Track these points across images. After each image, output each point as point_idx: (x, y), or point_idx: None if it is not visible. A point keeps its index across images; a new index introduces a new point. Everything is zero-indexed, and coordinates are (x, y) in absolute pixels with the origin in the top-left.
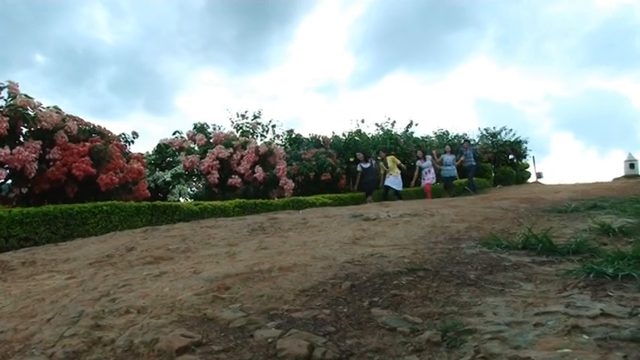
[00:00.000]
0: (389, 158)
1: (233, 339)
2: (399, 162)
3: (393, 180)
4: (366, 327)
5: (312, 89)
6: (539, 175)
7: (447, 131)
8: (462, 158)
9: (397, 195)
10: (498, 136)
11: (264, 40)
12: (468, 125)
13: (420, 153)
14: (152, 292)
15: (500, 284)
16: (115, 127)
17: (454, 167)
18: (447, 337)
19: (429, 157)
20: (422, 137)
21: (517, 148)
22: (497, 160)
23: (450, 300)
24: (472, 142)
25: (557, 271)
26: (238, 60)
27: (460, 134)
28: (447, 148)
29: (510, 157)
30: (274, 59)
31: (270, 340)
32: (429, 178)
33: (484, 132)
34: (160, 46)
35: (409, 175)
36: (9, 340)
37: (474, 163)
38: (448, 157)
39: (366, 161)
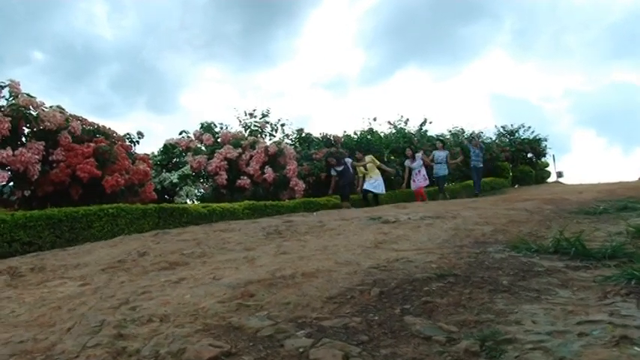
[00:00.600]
0: (367, 158)
1: (263, 349)
2: (378, 163)
3: (372, 183)
4: (399, 336)
5: (320, 86)
6: (559, 175)
7: (462, 129)
8: (461, 158)
9: (375, 200)
10: (516, 134)
11: (270, 34)
12: (484, 122)
13: (409, 151)
14: (173, 300)
15: (535, 291)
16: (116, 126)
17: (446, 165)
18: (486, 347)
19: (419, 155)
20: (436, 135)
21: (536, 146)
22: (515, 159)
23: (485, 307)
24: (482, 138)
25: (594, 277)
26: (243, 56)
27: (476, 132)
28: (438, 143)
29: (529, 155)
30: (280, 55)
31: (301, 349)
32: (420, 179)
33: (501, 129)
34: (162, 42)
35: (397, 177)
36: (30, 351)
37: (481, 166)
38: (440, 154)
39: (339, 164)
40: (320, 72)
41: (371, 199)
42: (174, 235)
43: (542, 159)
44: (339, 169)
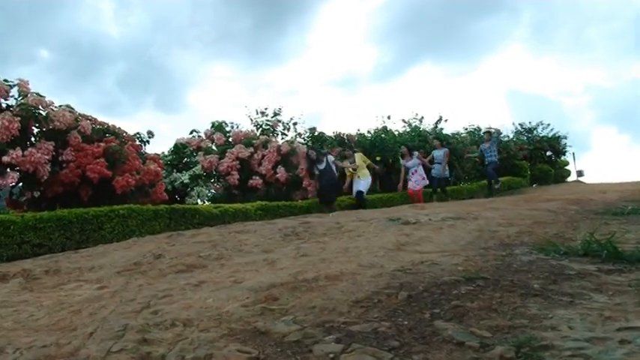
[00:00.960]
0: (357, 156)
1: (291, 354)
2: (369, 161)
3: (364, 184)
4: (431, 341)
5: (331, 83)
6: (579, 174)
7: (478, 127)
8: (468, 156)
9: (361, 198)
10: (534, 132)
11: (280, 31)
12: (501, 119)
13: (404, 149)
14: (195, 304)
15: (569, 295)
16: (123, 125)
17: (445, 165)
18: (522, 354)
19: (415, 154)
20: (452, 134)
21: (555, 144)
22: (534, 158)
23: (518, 312)
24: (495, 134)
25: (629, 281)
26: (253, 53)
27: (493, 129)
28: (436, 142)
29: (548, 154)
30: (291, 51)
31: (332, 355)
32: (416, 180)
33: (519, 127)
34: (170, 39)
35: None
36: (53, 356)
37: (495, 160)
38: (438, 153)
39: (320, 161)
40: (331, 69)
41: (364, 202)
42: (188, 236)
43: (562, 157)
44: (321, 166)
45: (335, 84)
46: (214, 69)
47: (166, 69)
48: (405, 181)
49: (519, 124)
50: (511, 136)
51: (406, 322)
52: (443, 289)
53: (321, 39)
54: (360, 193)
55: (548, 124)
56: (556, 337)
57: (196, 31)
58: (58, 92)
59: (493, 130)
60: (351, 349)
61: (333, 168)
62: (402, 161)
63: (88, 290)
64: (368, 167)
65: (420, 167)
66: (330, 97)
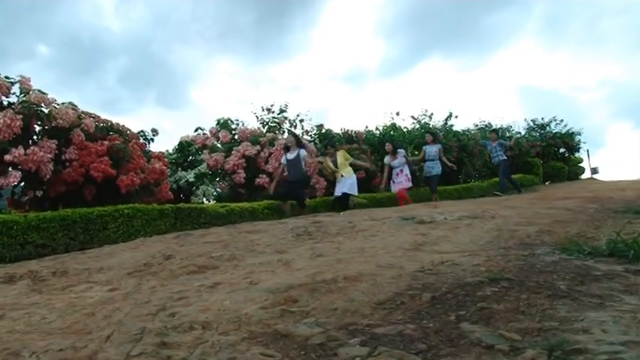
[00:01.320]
0: (339, 154)
1: (316, 357)
2: (351, 159)
3: (346, 184)
4: (459, 344)
5: (338, 78)
6: (594, 171)
7: (489, 123)
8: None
9: (340, 201)
10: (547, 128)
11: (285, 25)
12: (512, 115)
13: (388, 146)
14: (212, 306)
15: (598, 297)
16: (125, 122)
17: (439, 162)
18: (554, 357)
19: (401, 152)
20: (462, 130)
21: (569, 140)
22: (547, 155)
23: (547, 314)
24: (513, 134)
25: None
26: (257, 48)
27: (505, 126)
28: (428, 136)
29: (561, 150)
30: (296, 46)
31: (358, 359)
32: (401, 180)
33: (531, 123)
34: (172, 34)
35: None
36: (71, 359)
37: (504, 158)
38: (431, 149)
39: (291, 150)
40: (337, 64)
41: (351, 203)
42: (197, 236)
43: (576, 154)
44: (290, 156)
45: (341, 79)
46: (217, 64)
47: (168, 64)
48: (388, 181)
49: (531, 120)
50: (523, 132)
51: (431, 325)
52: (467, 290)
53: (327, 33)
54: (344, 194)
55: (562, 120)
56: (589, 341)
57: (198, 25)
58: (58, 89)
59: (507, 143)
60: (377, 352)
61: (303, 164)
62: (386, 159)
63: (98, 292)
64: (354, 166)
65: (406, 167)
66: (336, 93)
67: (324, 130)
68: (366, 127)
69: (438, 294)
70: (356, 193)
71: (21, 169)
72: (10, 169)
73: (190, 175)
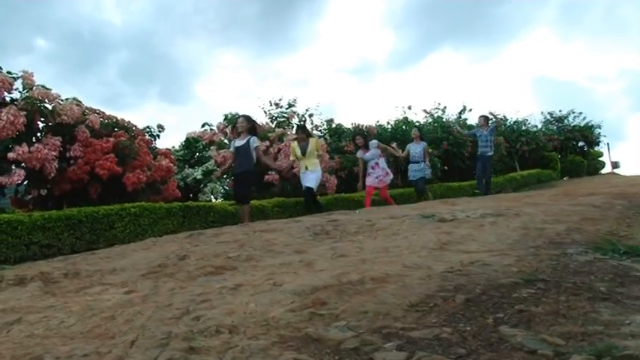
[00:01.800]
0: (311, 141)
1: None
2: (321, 150)
3: (314, 177)
4: (499, 349)
5: (345, 71)
6: (615, 165)
7: (504, 116)
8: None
9: (309, 198)
10: (565, 121)
11: (291, 16)
12: (527, 108)
13: (359, 140)
14: (237, 309)
15: None
16: (127, 118)
17: (424, 164)
18: None
19: (373, 142)
20: (476, 124)
21: (588, 133)
22: (565, 149)
23: (589, 318)
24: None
25: None
26: (262, 40)
27: (520, 119)
28: (415, 132)
29: (580, 144)
30: (302, 38)
31: None
32: (377, 175)
33: (548, 116)
34: (175, 27)
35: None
36: None
37: (491, 153)
38: (416, 148)
39: (240, 136)
40: (345, 56)
41: (311, 201)
42: (210, 236)
43: (596, 148)
44: (238, 144)
45: (348, 72)
46: (221, 58)
47: (171, 58)
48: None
49: (548, 113)
50: (539, 125)
51: (468, 328)
52: (502, 291)
53: (334, 25)
54: (309, 189)
55: (580, 113)
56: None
57: (201, 18)
58: (58, 84)
59: (492, 118)
60: (416, 357)
61: (253, 155)
62: (358, 153)
63: (115, 294)
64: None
65: (382, 160)
66: (344, 86)
67: (334, 125)
68: (377, 121)
69: (471, 296)
70: (316, 190)
71: (25, 167)
72: (13, 167)
73: (198, 173)
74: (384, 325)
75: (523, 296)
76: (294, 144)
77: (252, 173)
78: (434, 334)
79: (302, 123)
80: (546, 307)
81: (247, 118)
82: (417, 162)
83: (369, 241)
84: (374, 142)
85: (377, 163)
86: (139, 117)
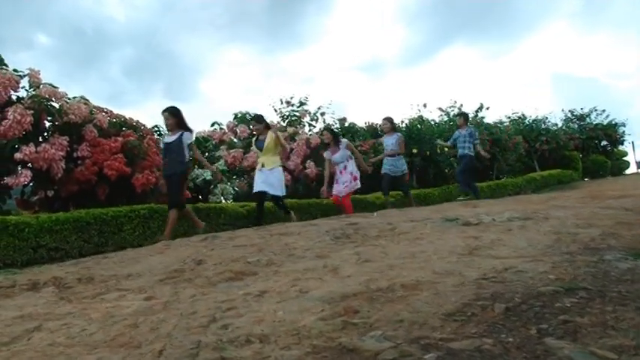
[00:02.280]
0: (269, 133)
1: None
2: (283, 144)
3: (267, 179)
4: None
5: (355, 68)
6: None
7: (522, 114)
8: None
9: (279, 205)
10: (587, 119)
11: (299, 11)
12: (545, 106)
13: (327, 136)
14: (265, 317)
15: None
16: (130, 116)
17: (401, 157)
18: None
19: (344, 142)
20: (494, 123)
21: (612, 132)
22: (587, 148)
23: None
24: (549, 127)
25: None
26: (269, 36)
27: (539, 117)
28: (385, 124)
29: (603, 143)
30: (310, 34)
31: None
32: (344, 181)
33: (569, 114)
34: (180, 22)
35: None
36: None
37: (471, 153)
38: (389, 140)
39: (172, 131)
40: (355, 53)
41: (274, 206)
42: (225, 239)
43: (620, 147)
44: (170, 139)
45: (358, 69)
46: (227, 54)
47: (176, 55)
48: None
49: (569, 111)
50: (560, 124)
51: (511, 339)
52: (543, 300)
53: (343, 20)
54: (262, 194)
55: (603, 111)
56: None
57: (207, 13)
58: (60, 80)
59: (476, 133)
60: None
61: (186, 153)
62: (326, 153)
63: (134, 301)
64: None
65: (352, 162)
66: (353, 83)
67: (347, 124)
68: None
69: (511, 305)
70: (282, 194)
71: (31, 167)
72: (19, 167)
73: (207, 173)
74: (422, 335)
75: (566, 306)
76: (253, 139)
77: (180, 175)
78: (475, 345)
79: (258, 115)
80: (592, 317)
81: (172, 112)
82: (392, 156)
83: (392, 246)
84: (344, 141)
85: (345, 167)
86: (142, 114)
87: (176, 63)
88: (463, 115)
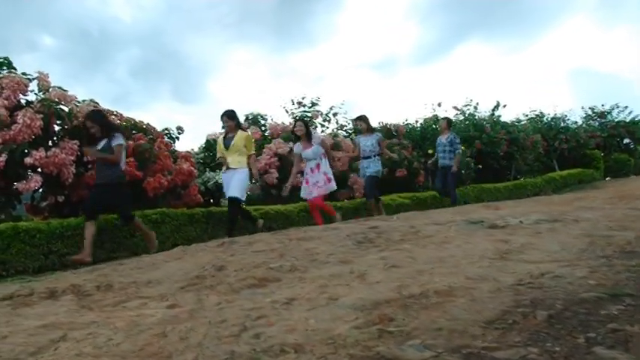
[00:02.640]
0: (238, 135)
1: None
2: (252, 149)
3: (238, 182)
4: None
5: (366, 66)
6: None
7: (541, 112)
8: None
9: (236, 208)
10: (608, 116)
11: (308, 9)
12: (565, 103)
13: (299, 128)
14: (297, 325)
15: None
16: (137, 118)
17: (377, 159)
18: None
19: (317, 136)
20: (511, 121)
21: (634, 130)
22: (608, 146)
23: None
24: (568, 125)
25: None
26: (278, 35)
27: (558, 115)
28: (361, 124)
29: (625, 141)
30: (320, 32)
31: None
32: (315, 182)
33: (589, 111)
34: (186, 22)
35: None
36: None
37: (450, 163)
38: (366, 141)
39: (101, 136)
40: (366, 51)
41: (236, 216)
42: (243, 245)
43: None
44: (100, 145)
45: (370, 67)
46: (235, 53)
47: (183, 55)
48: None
49: (589, 108)
50: (580, 122)
51: (558, 349)
52: (587, 307)
53: (354, 17)
54: (234, 200)
55: (626, 107)
56: None
57: (214, 12)
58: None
59: (457, 141)
60: None
61: (122, 157)
62: (295, 147)
63: (157, 309)
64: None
65: (324, 160)
66: (365, 82)
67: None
68: (406, 120)
69: (553, 312)
70: (242, 197)
71: (41, 172)
72: (29, 172)
73: (219, 176)
74: (463, 343)
75: (613, 313)
76: (220, 137)
77: (118, 185)
78: (520, 354)
79: (230, 110)
80: None
81: (93, 117)
82: (368, 157)
83: (419, 250)
84: (318, 136)
85: (317, 165)
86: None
87: (183, 63)
88: (446, 119)
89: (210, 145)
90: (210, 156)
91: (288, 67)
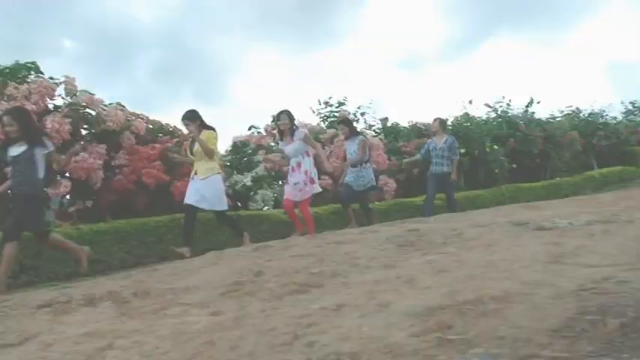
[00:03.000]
0: (204, 134)
1: None
2: (215, 148)
3: (202, 188)
4: None
5: (392, 64)
6: None
7: (577, 108)
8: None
9: (225, 222)
10: None
11: (331, 7)
12: (603, 97)
13: (284, 122)
14: (351, 333)
15: None
16: (159, 119)
17: (368, 167)
18: None
19: (301, 132)
20: (546, 118)
21: None
22: None
23: None
24: (607, 120)
25: None
26: (301, 33)
27: (596, 111)
28: (342, 128)
29: None
30: (344, 29)
31: None
32: (296, 182)
33: (629, 106)
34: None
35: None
36: None
37: (446, 170)
38: (351, 146)
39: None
40: (391, 48)
41: (225, 222)
42: (279, 249)
43: None
44: (15, 152)
45: (397, 65)
46: (258, 53)
47: (204, 55)
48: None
49: (630, 103)
50: (620, 117)
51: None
52: None
53: (378, 14)
54: (192, 207)
55: None
56: None
57: (236, 11)
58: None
59: (456, 145)
60: None
61: (40, 167)
62: (280, 144)
63: (200, 316)
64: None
65: (307, 159)
66: (392, 80)
67: (389, 124)
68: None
69: (625, 320)
70: (224, 207)
71: (70, 177)
72: (58, 177)
73: (247, 179)
74: (531, 353)
75: None
76: (188, 144)
77: (34, 197)
78: None
79: (189, 111)
80: None
81: (14, 115)
82: (355, 165)
83: (465, 254)
84: (302, 132)
85: (299, 164)
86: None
87: (204, 64)
88: (438, 120)
89: (237, 147)
90: (237, 158)
91: (312, 67)
